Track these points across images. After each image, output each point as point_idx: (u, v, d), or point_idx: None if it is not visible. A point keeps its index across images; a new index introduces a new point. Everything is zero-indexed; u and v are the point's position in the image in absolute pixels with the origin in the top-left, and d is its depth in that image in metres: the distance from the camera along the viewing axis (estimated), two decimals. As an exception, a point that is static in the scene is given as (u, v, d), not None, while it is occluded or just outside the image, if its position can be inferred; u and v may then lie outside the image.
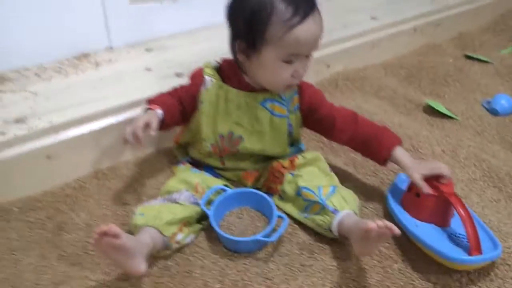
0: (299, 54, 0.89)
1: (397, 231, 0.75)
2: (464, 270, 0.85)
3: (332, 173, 1.01)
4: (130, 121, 0.94)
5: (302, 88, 1.00)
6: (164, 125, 0.98)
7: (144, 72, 1.26)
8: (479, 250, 0.81)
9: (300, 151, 1.09)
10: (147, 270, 0.81)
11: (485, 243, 0.83)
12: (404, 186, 0.98)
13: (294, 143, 1.08)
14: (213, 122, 0.98)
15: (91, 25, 1.33)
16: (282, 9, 0.84)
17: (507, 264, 0.86)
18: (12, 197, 1.02)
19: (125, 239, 0.76)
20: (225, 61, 1.00)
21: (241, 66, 0.95)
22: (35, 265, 0.89)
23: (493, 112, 1.34)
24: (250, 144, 0.99)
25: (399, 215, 0.93)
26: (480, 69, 1.58)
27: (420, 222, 0.92)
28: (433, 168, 0.92)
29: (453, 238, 0.88)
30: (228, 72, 0.98)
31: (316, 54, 1.41)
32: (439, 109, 1.32)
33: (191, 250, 0.91)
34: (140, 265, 0.79)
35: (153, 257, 0.89)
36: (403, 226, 0.91)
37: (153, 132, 0.92)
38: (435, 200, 0.90)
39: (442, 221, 0.91)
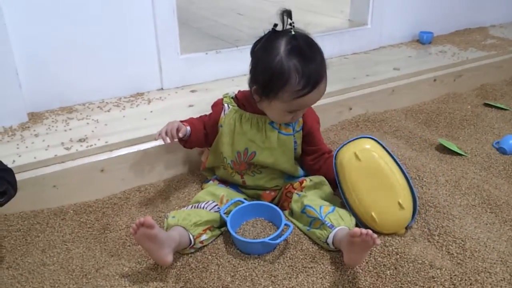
0: (302, 109, 1.10)
1: (378, 241, 0.88)
2: None
3: (335, 196, 1.16)
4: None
5: (306, 112, 1.17)
6: (189, 141, 1.19)
7: (188, 108, 1.48)
8: None
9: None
10: (172, 262, 0.98)
11: None
12: None
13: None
14: (231, 141, 1.17)
15: (147, 71, 1.59)
16: (295, 81, 1.01)
17: (488, 272, 0.94)
18: (71, 201, 1.23)
19: (158, 230, 0.94)
20: (240, 92, 1.20)
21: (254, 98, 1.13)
22: (82, 254, 1.08)
23: (502, 151, 1.43)
24: (262, 158, 1.16)
25: None
26: (496, 115, 1.69)
27: None
28: None
29: None
30: (243, 100, 1.18)
31: (339, 98, 1.61)
32: (450, 147, 1.43)
33: (210, 250, 1.06)
34: (167, 256, 0.97)
35: (179, 254, 1.05)
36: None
37: (181, 134, 1.14)
38: None
39: None
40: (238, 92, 1.21)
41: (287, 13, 1.05)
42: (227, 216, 1.09)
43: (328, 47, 1.93)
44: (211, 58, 1.68)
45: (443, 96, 1.83)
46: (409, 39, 2.19)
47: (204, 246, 1.07)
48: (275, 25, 1.06)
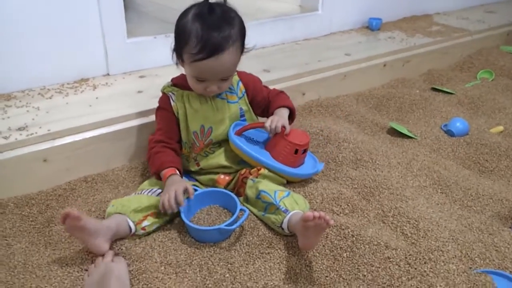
0: (207, 80, 1.07)
1: (331, 222, 0.87)
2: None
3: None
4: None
5: (241, 77, 1.20)
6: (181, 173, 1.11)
7: (136, 94, 1.42)
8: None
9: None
10: (109, 249, 0.95)
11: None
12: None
13: None
14: (186, 124, 1.14)
15: (92, 55, 1.50)
16: (192, 44, 1.02)
17: (441, 250, 0.96)
18: (10, 194, 1.15)
19: (85, 220, 0.91)
20: (175, 78, 1.19)
21: None
22: (24, 249, 1.01)
23: (450, 134, 1.47)
24: (219, 131, 1.15)
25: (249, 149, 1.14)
26: (444, 99, 1.74)
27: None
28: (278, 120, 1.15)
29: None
30: (182, 82, 1.16)
31: (292, 83, 1.60)
32: (400, 130, 1.46)
33: (163, 238, 1.02)
34: (102, 245, 0.94)
35: (132, 242, 1.00)
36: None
37: (192, 196, 1.03)
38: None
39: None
40: (172, 79, 1.20)
41: None
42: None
43: (280, 33, 1.93)
44: (160, 42, 1.62)
45: (392, 81, 1.87)
46: (359, 25, 2.22)
47: (152, 233, 1.04)
48: None
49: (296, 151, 1.15)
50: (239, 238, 1.03)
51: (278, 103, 1.22)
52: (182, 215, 1.02)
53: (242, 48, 1.09)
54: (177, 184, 1.03)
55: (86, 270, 0.95)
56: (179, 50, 1.06)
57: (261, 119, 1.26)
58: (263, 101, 1.23)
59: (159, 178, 1.11)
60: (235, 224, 1.01)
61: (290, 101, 1.25)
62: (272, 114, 1.20)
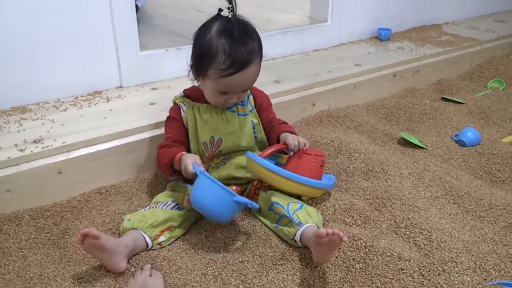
0: (230, 92, 1.10)
1: (345, 238, 0.87)
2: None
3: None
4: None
5: (251, 90, 1.22)
6: None
7: (149, 106, 1.44)
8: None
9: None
10: (129, 267, 0.96)
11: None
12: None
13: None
14: (196, 135, 1.16)
15: (105, 68, 1.52)
16: (220, 60, 1.04)
17: (455, 261, 0.96)
18: (26, 206, 1.17)
19: (105, 239, 0.92)
20: (186, 90, 1.21)
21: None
22: (40, 261, 1.02)
23: (461, 144, 1.47)
24: (228, 143, 1.16)
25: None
26: (454, 109, 1.74)
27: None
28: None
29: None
30: (194, 94, 1.18)
31: (302, 94, 1.61)
32: (411, 141, 1.46)
33: (177, 250, 1.04)
34: (119, 263, 0.95)
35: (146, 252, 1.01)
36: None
37: (202, 167, 1.05)
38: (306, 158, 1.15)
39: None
40: (184, 90, 1.21)
41: None
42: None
43: (290, 44, 1.94)
44: (172, 55, 1.64)
45: (402, 91, 1.88)
46: (368, 36, 2.23)
47: (170, 245, 1.05)
48: (220, 9, 1.09)
49: (322, 164, 1.16)
50: (252, 249, 1.03)
51: (284, 128, 1.22)
52: (198, 171, 1.02)
53: (261, 59, 1.11)
54: (188, 158, 1.06)
55: (100, 281, 0.96)
56: (203, 66, 1.07)
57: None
58: (266, 120, 1.23)
59: (173, 171, 1.12)
60: (246, 201, 1.01)
61: (295, 131, 1.24)
62: (274, 138, 1.21)
